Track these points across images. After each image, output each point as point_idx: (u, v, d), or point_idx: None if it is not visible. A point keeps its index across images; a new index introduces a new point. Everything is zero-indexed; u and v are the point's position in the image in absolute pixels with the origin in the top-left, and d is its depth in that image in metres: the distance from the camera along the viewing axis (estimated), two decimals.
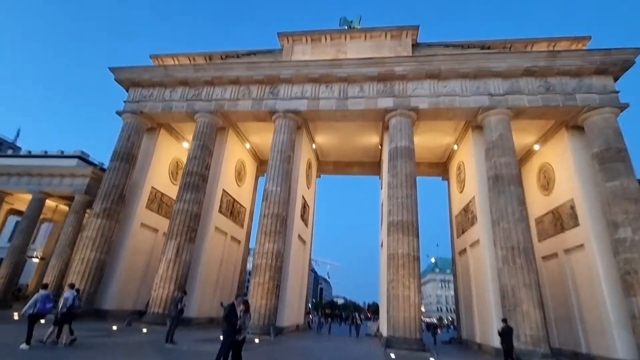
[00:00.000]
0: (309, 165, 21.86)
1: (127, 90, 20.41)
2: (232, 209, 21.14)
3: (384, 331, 15.33)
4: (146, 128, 20.17)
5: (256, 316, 13.86)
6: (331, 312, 62.70)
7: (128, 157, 18.54)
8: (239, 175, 22.13)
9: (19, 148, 45.76)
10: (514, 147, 15.57)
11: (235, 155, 21.48)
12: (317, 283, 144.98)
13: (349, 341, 17.69)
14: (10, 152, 37.31)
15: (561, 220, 16.71)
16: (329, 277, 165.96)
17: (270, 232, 15.41)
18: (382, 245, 18.48)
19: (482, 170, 16.43)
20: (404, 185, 15.28)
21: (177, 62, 21.07)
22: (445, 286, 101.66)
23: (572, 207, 15.76)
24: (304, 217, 20.34)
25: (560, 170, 17.10)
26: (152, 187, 20.11)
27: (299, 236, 19.03)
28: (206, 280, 17.87)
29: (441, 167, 24.45)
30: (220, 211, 19.46)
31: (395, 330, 12.98)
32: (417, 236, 14.55)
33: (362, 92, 17.70)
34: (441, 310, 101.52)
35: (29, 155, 24.16)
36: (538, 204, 18.70)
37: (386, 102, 17.19)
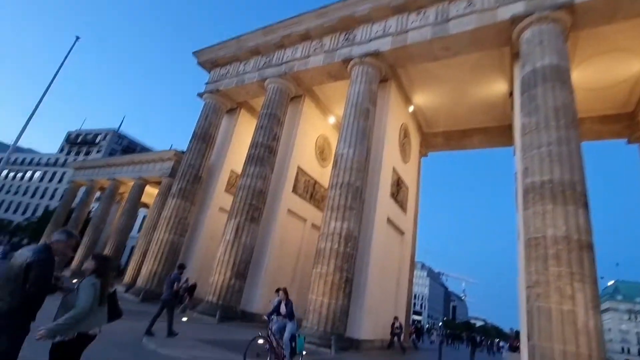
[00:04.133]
0: (405, 133, 16.81)
1: (209, 73, 20.04)
2: (312, 192, 17.92)
3: None
4: (226, 109, 19.26)
5: (315, 319, 9.95)
6: (458, 332, 52.36)
7: (205, 136, 17.74)
8: (322, 154, 18.82)
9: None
10: None
11: (316, 130, 18.35)
12: (448, 299, 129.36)
13: None
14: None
15: None
16: (464, 296, 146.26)
17: (339, 207, 11.35)
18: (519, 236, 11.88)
19: None
20: (551, 126, 8.91)
21: None
22: (634, 319, 74.50)
23: None
24: (397, 198, 15.38)
25: None
26: (232, 170, 18.83)
27: (389, 220, 14.22)
28: (276, 272, 14.90)
29: (624, 120, 15.47)
30: (295, 192, 16.47)
31: None
32: (587, 207, 8.02)
33: (472, 6, 12.03)
34: (629, 351, 74.37)
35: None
36: None
37: (512, 9, 11.04)
